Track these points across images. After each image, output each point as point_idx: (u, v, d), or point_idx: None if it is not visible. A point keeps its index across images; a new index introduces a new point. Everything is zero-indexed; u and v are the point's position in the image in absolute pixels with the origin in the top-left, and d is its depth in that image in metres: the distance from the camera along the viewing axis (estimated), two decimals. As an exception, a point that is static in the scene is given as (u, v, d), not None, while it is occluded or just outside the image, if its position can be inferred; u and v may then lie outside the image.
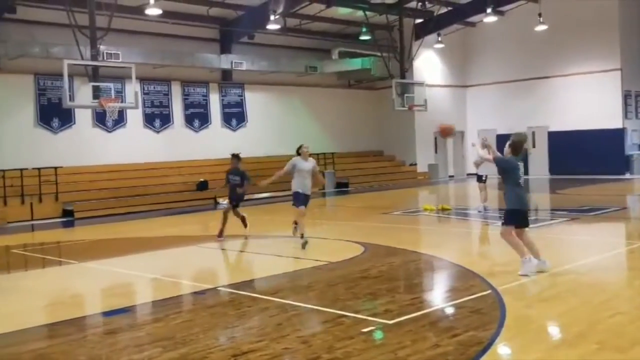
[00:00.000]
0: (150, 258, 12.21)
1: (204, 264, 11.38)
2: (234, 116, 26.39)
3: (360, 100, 30.92)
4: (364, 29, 27.55)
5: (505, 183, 8.64)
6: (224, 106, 26.10)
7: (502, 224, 8.66)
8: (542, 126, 29.49)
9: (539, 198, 21.12)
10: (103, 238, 15.21)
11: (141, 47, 22.45)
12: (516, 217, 8.51)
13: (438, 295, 8.15)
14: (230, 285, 8.90)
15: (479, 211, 16.15)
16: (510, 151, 8.68)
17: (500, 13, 28.66)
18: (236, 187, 13.03)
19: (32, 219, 19.13)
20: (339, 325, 6.42)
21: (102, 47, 18.61)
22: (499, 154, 9.22)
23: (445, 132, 14.08)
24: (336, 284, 8.52)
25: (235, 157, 13.42)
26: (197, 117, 25.25)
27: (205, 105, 25.51)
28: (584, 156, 27.84)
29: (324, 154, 27.51)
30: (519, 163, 8.68)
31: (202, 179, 23.15)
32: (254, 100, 26.97)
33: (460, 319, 6.64)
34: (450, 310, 7.09)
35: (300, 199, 11.74)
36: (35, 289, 9.49)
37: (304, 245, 11.42)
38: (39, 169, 19.84)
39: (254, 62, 25.52)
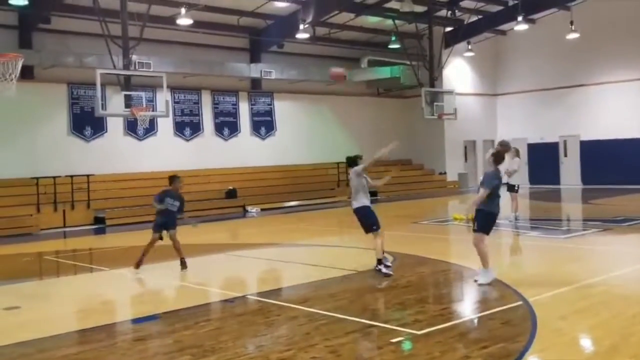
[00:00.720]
0: (178, 266, 12.28)
1: (232, 272, 11.42)
2: (263, 125, 26.51)
3: (389, 108, 30.84)
4: (393, 38, 27.51)
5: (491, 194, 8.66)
6: (253, 115, 26.24)
7: (475, 230, 8.59)
8: (574, 135, 29.12)
9: (571, 208, 20.83)
10: (133, 245, 15.34)
11: (172, 56, 22.70)
12: (491, 222, 8.65)
13: (468, 306, 8.07)
14: (259, 294, 8.92)
15: (510, 221, 15.97)
16: (493, 160, 8.57)
17: (532, 21, 28.43)
18: (174, 213, 11.12)
19: (64, 226, 19.40)
20: (367, 335, 6.39)
21: (134, 57, 18.85)
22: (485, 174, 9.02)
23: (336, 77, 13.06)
24: (364, 294, 8.49)
25: (175, 178, 11.36)
26: (227, 125, 25.42)
27: (234, 114, 25.67)
28: (617, 165, 27.39)
29: (353, 162, 27.41)
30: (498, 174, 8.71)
31: (231, 187, 23.28)
32: (283, 109, 27.07)
33: (490, 330, 6.56)
34: (480, 322, 7.01)
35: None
36: (67, 295, 9.62)
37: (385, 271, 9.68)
38: (71, 176, 20.12)
39: (283, 70, 25.64)
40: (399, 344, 6.14)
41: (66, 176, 20.13)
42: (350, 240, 14.77)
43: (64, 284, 10.85)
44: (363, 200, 10.06)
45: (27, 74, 19.00)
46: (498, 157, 8.52)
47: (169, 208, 10.97)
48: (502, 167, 17.90)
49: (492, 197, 8.54)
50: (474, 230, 8.55)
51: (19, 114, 19.81)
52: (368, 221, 10.03)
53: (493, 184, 8.48)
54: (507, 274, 9.41)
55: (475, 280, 8.61)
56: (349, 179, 10.46)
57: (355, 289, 8.76)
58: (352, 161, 10.59)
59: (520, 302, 7.49)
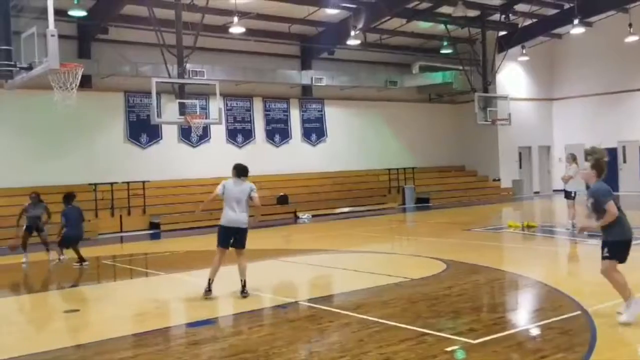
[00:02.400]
0: (232, 271, 12.39)
1: (284, 278, 11.46)
2: (314, 131, 26.59)
3: (441, 114, 30.56)
4: (445, 43, 27.28)
5: (601, 213, 6.94)
6: (304, 121, 26.35)
7: (605, 257, 6.88)
8: (633, 140, 28.30)
9: (631, 215, 20.22)
10: (188, 250, 15.58)
11: (224, 64, 23.00)
12: (621, 249, 6.90)
13: (524, 315, 7.90)
14: (311, 300, 8.92)
15: (567, 229, 15.60)
16: (595, 174, 7.04)
17: (588, 24, 27.79)
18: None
19: (121, 231, 19.83)
20: (421, 344, 6.32)
21: (187, 65, 19.21)
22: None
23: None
24: (418, 301, 8.40)
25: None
26: (278, 132, 25.59)
27: (285, 121, 25.83)
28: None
29: (404, 169, 27.32)
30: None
31: (282, 193, 23.42)
32: (334, 115, 27.12)
33: (548, 340, 6.41)
34: (537, 331, 6.86)
35: None
36: (123, 299, 9.81)
37: None
38: (128, 182, 20.57)
39: (334, 77, 25.69)
40: (453, 352, 6.06)
41: (123, 182, 20.58)
42: (402, 247, 14.69)
43: (120, 288, 11.08)
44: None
45: (85, 83, 19.51)
46: (599, 167, 7.03)
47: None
48: (560, 174, 17.53)
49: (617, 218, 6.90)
50: (603, 258, 6.89)
51: (78, 122, 20.36)
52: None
53: (611, 192, 6.92)
54: (565, 283, 9.19)
55: (619, 314, 6.87)
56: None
57: (408, 297, 8.68)
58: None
59: (579, 312, 7.30)
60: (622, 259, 6.90)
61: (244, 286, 9.06)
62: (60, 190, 19.90)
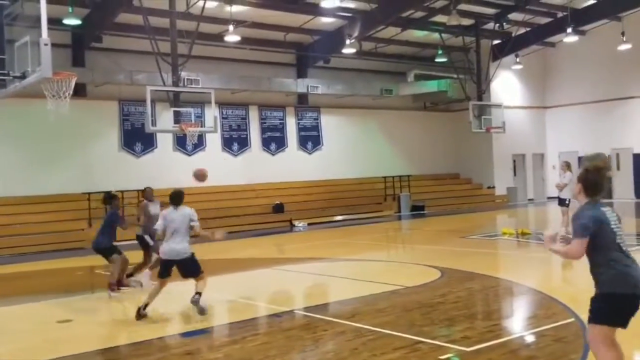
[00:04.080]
0: (227, 280, 12.38)
1: (279, 287, 11.44)
2: (310, 139, 26.62)
3: (436, 122, 30.63)
4: (439, 51, 27.36)
5: (592, 250, 4.64)
6: (300, 129, 26.37)
7: (590, 320, 4.65)
8: (627, 148, 28.39)
9: (625, 223, 20.27)
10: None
11: (220, 72, 23.02)
12: (614, 307, 4.57)
13: (518, 323, 7.91)
14: (306, 309, 8.91)
15: (562, 236, 15.60)
16: (583, 192, 4.71)
17: (582, 32, 27.93)
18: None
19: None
20: (415, 352, 6.31)
21: (182, 74, 19.19)
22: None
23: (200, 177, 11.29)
24: (412, 309, 8.39)
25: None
26: (274, 140, 25.60)
27: (281, 129, 25.85)
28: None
29: (400, 176, 27.34)
30: (604, 209, 4.69)
31: (278, 202, 23.41)
32: (330, 124, 27.14)
33: (541, 347, 6.42)
34: (531, 339, 6.86)
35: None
36: (117, 309, 9.77)
37: None
38: (122, 191, 20.50)
39: (329, 85, 25.74)
40: (447, 360, 6.05)
41: (117, 191, 20.49)
42: (397, 255, 14.69)
43: (114, 298, 11.02)
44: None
45: (79, 91, 19.53)
46: (586, 182, 4.70)
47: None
48: (554, 181, 17.54)
49: (605, 257, 4.62)
50: (588, 320, 4.70)
51: (72, 130, 20.31)
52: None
53: (588, 227, 4.56)
54: (559, 290, 9.21)
55: None
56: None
57: (403, 304, 8.67)
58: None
59: (572, 319, 7.31)
60: (617, 322, 4.59)
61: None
62: (54, 199, 19.95)
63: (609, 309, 4.56)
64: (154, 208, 11.66)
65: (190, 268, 8.74)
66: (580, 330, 6.85)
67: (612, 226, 4.61)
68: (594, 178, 4.68)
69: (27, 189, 19.58)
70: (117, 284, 10.70)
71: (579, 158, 28.84)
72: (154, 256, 10.97)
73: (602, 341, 4.61)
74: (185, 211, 9.06)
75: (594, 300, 4.65)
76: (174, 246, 8.72)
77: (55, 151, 20.28)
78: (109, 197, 11.53)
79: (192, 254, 8.82)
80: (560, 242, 4.97)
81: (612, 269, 4.56)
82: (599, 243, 4.58)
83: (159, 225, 8.87)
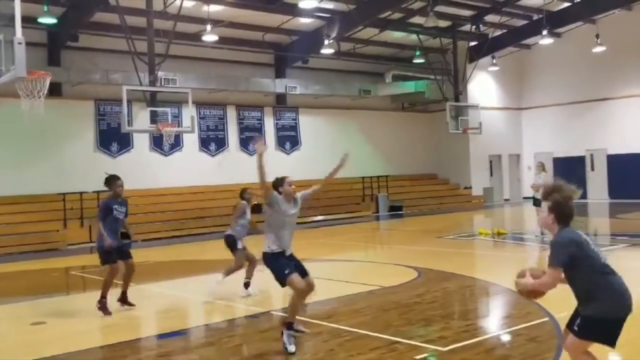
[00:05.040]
0: (203, 281, 12.32)
1: (256, 287, 11.40)
2: (288, 140, 26.60)
3: (413, 123, 30.78)
4: (417, 52, 27.51)
5: (574, 284, 4.67)
6: (278, 130, 26.34)
7: (576, 335, 4.61)
8: (601, 149, 28.77)
9: (599, 223, 20.54)
10: (159, 261, 15.44)
11: (197, 72, 22.92)
12: (607, 331, 4.60)
13: (494, 322, 7.97)
14: (283, 309, 8.88)
15: (536, 236, 15.80)
16: (556, 221, 4.61)
17: (557, 35, 28.24)
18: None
19: (90, 241, 19.53)
20: (392, 352, 6.34)
21: (159, 73, 19.08)
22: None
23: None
24: (389, 309, 8.42)
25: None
26: (252, 140, 25.53)
27: (259, 129, 25.79)
28: (646, 180, 26.99)
29: (378, 177, 27.42)
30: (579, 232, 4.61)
31: (256, 202, 23.29)
32: (308, 124, 27.15)
33: (516, 347, 6.48)
34: (506, 338, 6.93)
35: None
36: (92, 311, 9.67)
37: None
38: (97, 192, 20.30)
39: (307, 86, 25.75)
40: (423, 360, 6.09)
41: (93, 192, 20.32)
42: (375, 255, 14.73)
43: (90, 300, 10.91)
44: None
45: (55, 91, 19.35)
46: (558, 210, 4.60)
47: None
48: (529, 182, 17.70)
49: (597, 281, 4.58)
50: (572, 330, 4.67)
51: (47, 130, 20.08)
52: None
53: (561, 259, 4.47)
54: (534, 290, 9.28)
55: None
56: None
57: (380, 305, 8.70)
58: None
59: (546, 319, 7.38)
60: (608, 342, 4.60)
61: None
62: (28, 200, 19.72)
63: (602, 332, 4.55)
64: (249, 211, 11.04)
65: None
66: (554, 329, 6.92)
67: (592, 246, 4.56)
68: (567, 209, 4.62)
69: (1, 189, 19.32)
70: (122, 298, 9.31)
71: (554, 159, 29.19)
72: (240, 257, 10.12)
73: (584, 352, 4.68)
74: None
75: (585, 320, 4.56)
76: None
77: (29, 151, 20.04)
78: (107, 178, 9.39)
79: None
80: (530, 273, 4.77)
81: (607, 293, 4.55)
82: (586, 263, 4.53)
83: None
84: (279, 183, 7.74)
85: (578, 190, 4.69)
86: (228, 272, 10.01)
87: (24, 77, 8.73)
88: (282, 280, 6.89)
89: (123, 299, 9.20)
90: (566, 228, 4.58)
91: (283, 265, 7.00)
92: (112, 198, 9.15)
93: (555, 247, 4.52)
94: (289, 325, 6.66)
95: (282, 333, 6.64)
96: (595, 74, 28.52)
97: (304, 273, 6.98)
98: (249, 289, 9.91)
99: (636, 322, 7.29)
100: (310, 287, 6.93)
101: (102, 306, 8.77)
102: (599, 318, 4.54)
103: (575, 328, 4.60)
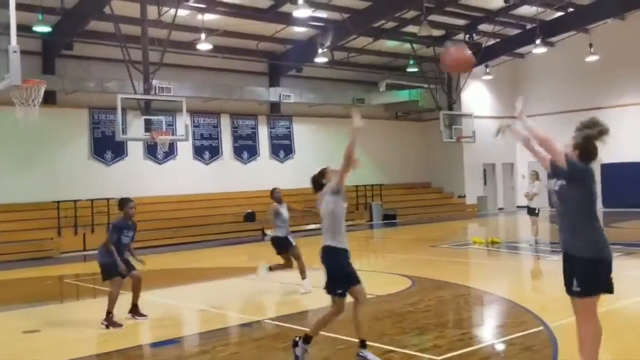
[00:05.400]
0: (197, 289, 12.30)
1: (250, 296, 11.39)
2: (282, 148, 26.62)
3: (407, 131, 30.86)
4: (411, 61, 27.60)
5: (572, 213, 4.63)
6: (272, 138, 26.37)
7: (582, 294, 4.56)
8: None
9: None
10: (152, 269, 15.37)
11: (192, 81, 22.94)
12: (603, 273, 4.68)
13: (488, 331, 7.98)
14: (277, 318, 8.88)
15: (530, 244, 15.83)
16: (579, 154, 4.74)
17: (550, 44, 28.39)
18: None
19: (84, 249, 19.52)
20: (386, 361, 6.32)
21: (154, 82, 19.11)
22: (565, 153, 4.82)
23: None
24: (383, 318, 8.42)
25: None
26: (246, 149, 25.56)
27: (253, 137, 25.81)
28: (638, 188, 27.07)
29: (372, 185, 27.45)
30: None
31: (249, 210, 23.33)
32: (302, 132, 27.18)
33: (510, 356, 6.48)
34: (500, 347, 6.93)
35: None
36: (86, 319, 9.64)
37: None
38: (92, 200, 20.29)
39: (301, 94, 25.79)
40: (418, 369, 6.08)
41: (87, 200, 20.30)
42: (368, 264, 14.71)
43: (83, 308, 10.89)
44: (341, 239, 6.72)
45: (49, 99, 19.33)
46: (589, 149, 4.76)
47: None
48: (525, 189, 17.75)
49: (588, 221, 4.67)
50: (576, 294, 4.59)
51: (41, 138, 20.06)
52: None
53: (572, 164, 4.66)
54: (528, 299, 9.31)
55: None
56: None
57: (374, 313, 8.69)
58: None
59: (541, 328, 7.39)
60: (607, 288, 4.61)
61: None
62: (22, 208, 19.65)
63: (600, 275, 4.52)
64: (285, 211, 11.19)
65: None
66: (548, 338, 6.93)
67: (594, 189, 4.58)
68: (592, 147, 4.69)
69: (-5, 197, 19.27)
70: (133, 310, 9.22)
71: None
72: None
73: (594, 312, 4.57)
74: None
75: (584, 269, 4.46)
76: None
77: (24, 159, 20.00)
78: (120, 201, 9.64)
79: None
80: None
81: (597, 233, 4.57)
82: (588, 197, 4.54)
83: None
84: (323, 174, 7.16)
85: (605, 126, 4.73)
86: (274, 268, 10.90)
87: (18, 85, 8.72)
88: (342, 289, 6.20)
89: (134, 311, 9.15)
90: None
91: (351, 275, 6.32)
92: (123, 220, 9.40)
93: (570, 160, 4.61)
94: (307, 338, 6.38)
95: (296, 344, 6.37)
96: (588, 83, 28.67)
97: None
98: (306, 284, 10.55)
99: (633, 329, 7.35)
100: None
101: (109, 322, 8.64)
102: (596, 259, 4.49)
103: (578, 289, 4.47)
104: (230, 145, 25.11)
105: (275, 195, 11.19)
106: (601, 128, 4.78)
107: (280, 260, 11.05)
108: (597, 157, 4.64)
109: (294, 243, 10.90)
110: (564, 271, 4.72)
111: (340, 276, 6.30)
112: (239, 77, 25.05)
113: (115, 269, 9.04)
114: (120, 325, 8.62)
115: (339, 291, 6.22)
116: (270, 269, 11.00)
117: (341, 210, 6.73)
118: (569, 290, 4.64)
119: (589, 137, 4.68)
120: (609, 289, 4.65)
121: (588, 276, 4.52)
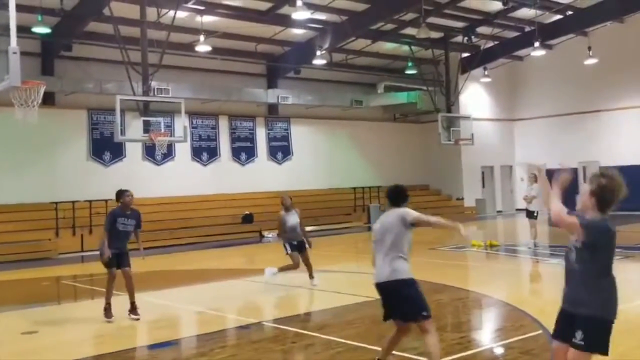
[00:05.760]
0: (195, 291, 12.29)
1: (248, 298, 11.38)
2: (280, 150, 26.62)
3: (405, 134, 30.86)
4: (409, 63, 27.62)
5: (588, 264, 4.43)
6: (270, 140, 26.36)
7: (588, 349, 4.28)
8: (593, 161, 28.83)
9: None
10: (150, 270, 15.37)
11: (190, 82, 22.93)
12: (609, 334, 4.42)
13: (487, 335, 7.97)
14: (275, 320, 8.88)
15: (529, 248, 15.83)
16: (596, 206, 4.55)
17: (549, 47, 28.41)
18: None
19: (82, 250, 19.49)
20: (384, 364, 6.31)
21: (153, 83, 19.07)
22: (580, 216, 4.60)
23: None
24: (381, 321, 8.40)
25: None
26: (244, 150, 25.54)
27: (251, 139, 25.81)
28: (638, 192, 27.04)
29: (370, 187, 27.44)
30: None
31: (247, 212, 23.32)
32: (300, 134, 27.18)
33: (509, 359, 6.47)
34: (499, 351, 6.93)
35: None
36: (84, 320, 9.63)
37: None
38: (90, 201, 20.26)
39: (299, 96, 25.80)
40: (416, 373, 6.07)
41: (85, 201, 20.27)
42: (367, 266, 14.72)
43: (81, 309, 10.88)
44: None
45: (48, 100, 19.29)
46: (606, 198, 4.58)
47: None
48: (524, 192, 17.74)
49: (605, 279, 4.50)
50: (578, 347, 4.29)
51: (40, 139, 20.04)
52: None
53: (592, 237, 4.48)
54: (527, 302, 9.30)
55: None
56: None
57: (372, 316, 8.67)
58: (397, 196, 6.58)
59: (540, 331, 7.39)
60: (607, 347, 4.36)
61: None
62: (21, 208, 19.63)
63: (607, 337, 4.31)
64: (292, 218, 11.20)
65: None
66: (547, 342, 6.93)
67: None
68: (611, 195, 4.52)
69: (-7, 198, 19.25)
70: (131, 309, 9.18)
71: (547, 171, 29.24)
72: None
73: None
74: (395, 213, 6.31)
75: (590, 326, 4.25)
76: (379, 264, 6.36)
77: (22, 160, 19.97)
78: (117, 193, 9.82)
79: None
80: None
81: (609, 293, 4.41)
82: (606, 259, 4.42)
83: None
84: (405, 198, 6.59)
85: (625, 189, 4.48)
86: (283, 269, 11.26)
87: (18, 86, 8.72)
88: (423, 316, 5.89)
89: (132, 310, 9.20)
90: (605, 218, 4.48)
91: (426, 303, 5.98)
92: (119, 209, 9.53)
93: (590, 227, 4.37)
94: None
95: None
96: (587, 86, 28.70)
97: None
98: (315, 280, 11.18)
99: (633, 334, 7.34)
100: None
101: (105, 312, 9.03)
102: (606, 320, 4.29)
103: (581, 342, 4.24)
104: (228, 147, 25.10)
105: (282, 203, 11.44)
106: (615, 181, 4.55)
107: (287, 260, 11.37)
108: (614, 204, 4.51)
109: (307, 246, 11.40)
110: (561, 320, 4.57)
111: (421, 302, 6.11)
112: (238, 78, 25.05)
113: (111, 262, 9.35)
114: (108, 318, 8.92)
115: (423, 315, 5.95)
116: (279, 270, 11.39)
117: (407, 240, 6.46)
118: (566, 339, 4.42)
119: (604, 186, 4.51)
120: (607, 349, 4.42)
121: (598, 335, 4.32)
